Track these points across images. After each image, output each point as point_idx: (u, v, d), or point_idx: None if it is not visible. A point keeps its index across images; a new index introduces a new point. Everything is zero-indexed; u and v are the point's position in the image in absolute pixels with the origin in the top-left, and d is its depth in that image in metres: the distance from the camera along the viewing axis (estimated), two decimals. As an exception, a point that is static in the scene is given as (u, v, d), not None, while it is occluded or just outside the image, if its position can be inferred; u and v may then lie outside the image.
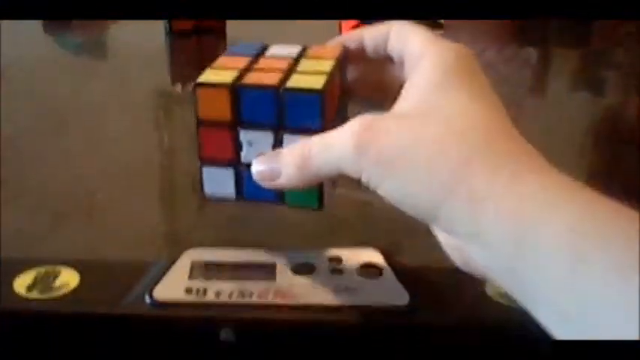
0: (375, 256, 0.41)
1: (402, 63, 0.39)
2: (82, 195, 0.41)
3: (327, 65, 0.39)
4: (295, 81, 0.38)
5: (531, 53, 0.90)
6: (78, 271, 0.38)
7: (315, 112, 0.37)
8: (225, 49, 0.42)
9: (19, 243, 0.42)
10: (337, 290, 0.38)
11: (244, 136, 0.38)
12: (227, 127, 0.38)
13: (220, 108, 0.38)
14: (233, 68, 0.39)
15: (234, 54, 0.41)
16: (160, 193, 0.52)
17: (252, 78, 0.38)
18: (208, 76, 0.38)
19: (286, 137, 0.37)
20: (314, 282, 0.39)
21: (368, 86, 0.43)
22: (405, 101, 0.35)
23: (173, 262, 0.39)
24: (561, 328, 0.28)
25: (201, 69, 0.39)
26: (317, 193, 0.38)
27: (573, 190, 0.30)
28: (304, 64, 0.40)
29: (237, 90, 0.37)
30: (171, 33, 0.87)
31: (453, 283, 0.36)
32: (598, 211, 0.28)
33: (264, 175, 0.37)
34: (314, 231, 0.44)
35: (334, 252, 0.41)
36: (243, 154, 0.38)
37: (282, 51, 0.42)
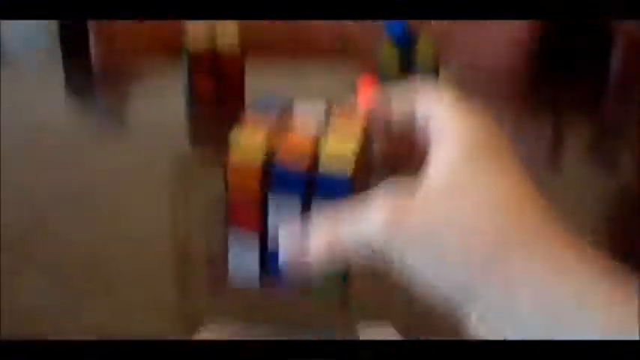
0: (391, 334, 0.41)
1: (428, 130, 0.38)
2: (100, 261, 0.42)
3: (356, 138, 0.40)
4: (326, 161, 0.38)
5: (545, 128, 0.90)
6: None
7: (345, 189, 0.38)
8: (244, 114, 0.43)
9: (34, 322, 0.43)
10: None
11: (272, 205, 0.39)
12: (256, 201, 0.39)
13: (250, 184, 0.39)
14: (261, 133, 0.39)
15: (259, 112, 0.42)
16: (177, 267, 0.53)
17: (282, 154, 0.39)
18: (239, 150, 0.39)
19: (314, 205, 0.38)
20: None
21: (393, 152, 0.43)
22: (433, 176, 0.35)
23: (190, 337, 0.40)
24: None
25: (221, 137, 0.40)
26: (341, 287, 0.39)
27: (605, 273, 0.30)
28: (332, 138, 0.40)
29: (268, 169, 0.38)
30: (191, 100, 0.89)
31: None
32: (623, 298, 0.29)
33: (292, 256, 0.37)
34: (332, 308, 0.45)
35: (351, 333, 0.41)
36: (269, 222, 0.39)
37: (308, 112, 0.42)
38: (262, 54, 0.98)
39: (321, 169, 0.38)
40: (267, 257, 0.40)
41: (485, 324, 0.32)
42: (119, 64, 1.10)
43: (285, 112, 0.42)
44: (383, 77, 0.84)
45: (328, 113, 0.42)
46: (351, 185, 0.38)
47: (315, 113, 0.42)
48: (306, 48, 1.10)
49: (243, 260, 0.40)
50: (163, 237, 0.56)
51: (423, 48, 0.84)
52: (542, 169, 0.77)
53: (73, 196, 0.63)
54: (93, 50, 1.16)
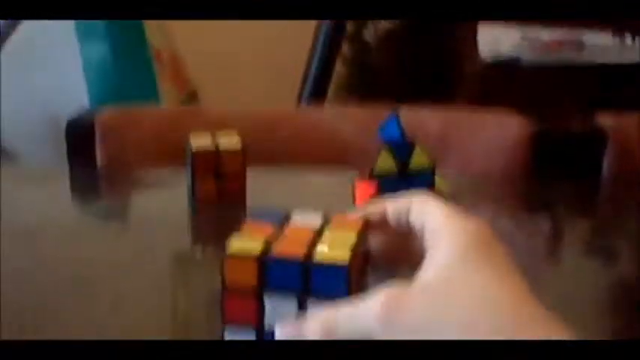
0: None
1: (422, 236, 0.40)
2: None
3: (352, 237, 0.41)
4: (321, 254, 0.39)
5: (543, 222, 0.92)
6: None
7: (341, 284, 0.38)
8: (244, 222, 0.44)
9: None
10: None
11: (269, 301, 0.39)
12: (252, 295, 0.39)
13: (247, 277, 0.39)
14: (259, 237, 0.41)
15: (258, 220, 0.43)
16: (180, 294, 0.52)
17: (278, 248, 0.40)
18: (236, 244, 0.40)
19: (311, 303, 0.39)
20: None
21: (389, 255, 0.45)
22: (427, 274, 0.36)
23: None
24: None
25: (222, 236, 0.41)
26: None
27: None
28: (329, 236, 0.42)
29: (264, 261, 0.39)
30: (194, 200, 0.91)
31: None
32: None
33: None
34: None
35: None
36: (266, 318, 0.40)
37: (305, 219, 0.44)
38: (262, 159, 1.01)
39: (318, 260, 0.39)
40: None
41: None
42: (124, 163, 1.12)
43: (283, 222, 0.44)
44: (380, 182, 0.87)
45: (325, 223, 0.44)
46: (347, 279, 0.39)
47: (311, 222, 0.43)
48: (305, 155, 1.13)
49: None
50: (161, 329, 0.57)
51: (419, 154, 0.87)
52: (542, 265, 0.77)
53: (72, 288, 0.64)
54: (98, 147, 1.19)
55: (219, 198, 0.91)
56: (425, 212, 0.41)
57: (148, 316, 0.59)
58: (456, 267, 0.36)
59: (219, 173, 0.91)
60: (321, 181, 1.03)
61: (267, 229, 0.42)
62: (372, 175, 0.88)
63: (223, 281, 0.40)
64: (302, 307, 0.39)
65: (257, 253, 0.39)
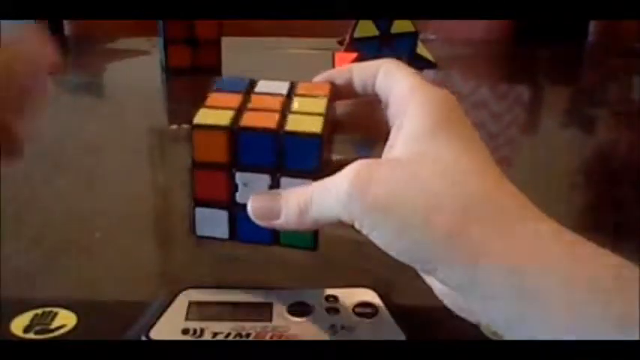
0: (370, 296, 0.41)
1: (387, 104, 0.39)
2: (78, 235, 0.42)
3: (322, 105, 0.39)
4: (293, 124, 0.38)
5: (523, 91, 0.91)
6: (75, 313, 0.38)
7: (314, 154, 0.37)
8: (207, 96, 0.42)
9: (15, 284, 0.42)
10: (333, 330, 0.38)
11: (240, 177, 0.38)
12: (223, 169, 0.38)
13: (217, 150, 0.38)
14: (226, 108, 0.39)
15: (223, 91, 0.41)
16: (156, 233, 0.52)
17: (248, 120, 0.38)
18: (204, 117, 0.38)
19: (283, 180, 0.38)
20: (310, 322, 0.39)
21: (355, 122, 0.44)
22: (396, 148, 0.35)
23: (170, 302, 0.39)
24: None
25: (197, 107, 0.39)
26: (312, 233, 0.38)
27: (565, 239, 0.30)
28: (298, 104, 0.40)
29: (235, 133, 0.37)
30: (167, 71, 0.88)
31: (448, 321, 0.36)
32: (587, 260, 0.29)
33: (263, 213, 0.37)
34: (309, 270, 0.45)
35: (330, 292, 0.41)
36: (238, 195, 0.38)
37: (271, 87, 0.42)
38: (239, 27, 0.98)
39: (290, 130, 0.37)
40: (236, 217, 0.39)
41: (447, 289, 0.32)
42: (94, 36, 1.09)
43: (250, 91, 0.41)
44: (360, 48, 0.84)
45: (291, 90, 0.41)
46: (320, 149, 0.37)
47: (278, 89, 0.41)
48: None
49: (211, 219, 0.39)
50: (141, 203, 0.56)
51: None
52: (520, 133, 0.77)
53: (46, 164, 0.62)
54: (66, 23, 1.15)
55: (193, 66, 0.88)
56: (391, 80, 0.39)
57: (123, 189, 0.58)
58: (425, 140, 0.34)
59: (193, 41, 0.87)
60: (299, 51, 1.00)
61: (234, 99, 0.40)
62: (352, 40, 0.85)
63: (193, 156, 0.38)
64: (274, 183, 0.38)
65: (226, 124, 0.37)
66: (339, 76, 0.42)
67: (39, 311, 0.38)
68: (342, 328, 0.39)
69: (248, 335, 0.37)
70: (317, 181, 0.36)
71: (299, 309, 0.40)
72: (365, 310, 0.40)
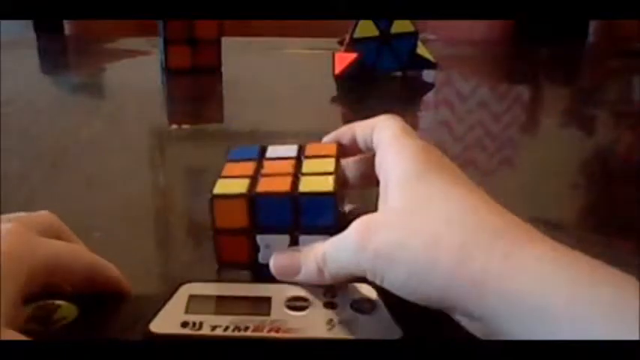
0: (368, 291, 0.41)
1: (378, 157, 0.41)
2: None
3: (331, 165, 0.42)
4: (307, 184, 0.40)
5: (523, 91, 0.91)
6: (76, 305, 0.39)
7: (329, 212, 0.40)
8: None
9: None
10: (331, 324, 0.39)
11: (261, 240, 0.41)
12: (244, 233, 0.41)
13: (237, 216, 0.40)
14: (242, 176, 0.41)
15: (236, 160, 0.44)
16: (156, 230, 0.53)
17: (264, 185, 0.40)
18: (222, 187, 0.41)
19: (302, 238, 0.40)
20: (308, 316, 0.39)
21: (360, 178, 0.46)
22: (387, 195, 0.37)
23: (170, 296, 0.40)
24: None
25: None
26: None
27: (565, 258, 0.31)
28: (309, 165, 0.42)
29: (253, 199, 0.40)
30: (167, 71, 0.88)
31: (446, 317, 0.36)
32: (589, 276, 0.30)
33: (284, 272, 0.40)
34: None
35: (328, 286, 0.41)
36: (260, 255, 0.41)
37: (281, 152, 0.45)
38: (240, 27, 0.98)
39: (304, 191, 0.40)
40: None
41: (468, 320, 0.33)
42: (94, 36, 1.09)
43: (261, 157, 0.44)
44: (360, 48, 0.84)
45: (301, 153, 0.44)
46: (335, 206, 0.39)
47: (287, 153, 0.44)
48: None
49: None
50: (141, 201, 0.56)
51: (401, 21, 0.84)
52: (521, 133, 0.77)
53: (47, 163, 0.63)
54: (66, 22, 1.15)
55: (193, 67, 0.88)
56: (379, 134, 0.41)
57: (123, 189, 0.58)
58: (412, 185, 0.36)
59: (193, 41, 0.88)
60: (299, 51, 1.00)
61: (248, 167, 0.43)
62: (351, 41, 0.85)
63: (213, 223, 0.41)
64: (293, 242, 0.40)
65: (243, 191, 0.40)
66: (344, 135, 0.45)
67: (40, 303, 0.39)
68: (340, 323, 0.39)
69: (246, 329, 0.38)
70: (334, 236, 0.38)
71: (297, 303, 0.40)
72: (362, 305, 0.40)
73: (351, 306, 0.40)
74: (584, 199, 0.61)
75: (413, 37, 0.85)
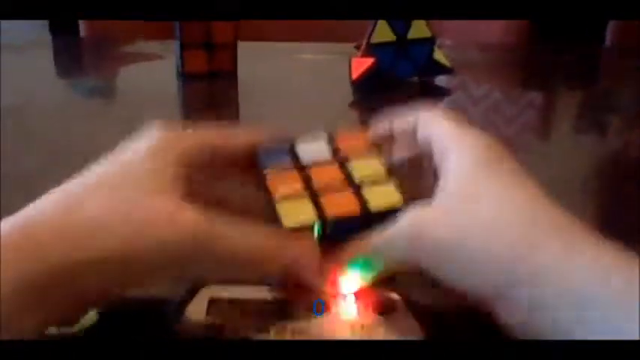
0: (389, 294, 0.41)
1: (431, 151, 0.40)
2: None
3: (379, 167, 0.41)
4: (374, 199, 0.39)
5: (536, 95, 0.90)
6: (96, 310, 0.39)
7: (394, 219, 0.38)
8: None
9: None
10: (352, 327, 0.38)
11: None
12: None
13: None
14: (296, 195, 0.39)
15: (272, 166, 0.41)
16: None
17: (329, 207, 0.39)
18: (289, 214, 0.38)
19: None
20: (330, 319, 0.39)
21: (401, 173, 0.45)
22: (445, 192, 0.36)
23: (191, 298, 0.39)
24: None
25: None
26: None
27: (621, 257, 0.32)
28: (358, 170, 0.41)
29: (327, 224, 0.38)
30: (183, 75, 0.88)
31: (467, 319, 0.36)
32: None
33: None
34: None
35: (349, 290, 0.41)
36: None
37: (312, 151, 0.43)
38: (254, 32, 0.98)
39: (376, 210, 0.39)
40: None
41: (515, 318, 0.33)
42: (110, 38, 1.09)
43: (295, 159, 0.42)
44: (377, 53, 0.84)
45: (333, 148, 0.43)
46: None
47: (320, 151, 0.43)
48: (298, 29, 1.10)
49: None
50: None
51: (418, 23, 0.84)
52: (537, 137, 0.77)
53: (60, 166, 0.63)
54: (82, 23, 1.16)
55: (209, 71, 0.88)
56: (431, 128, 0.40)
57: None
58: (471, 183, 0.36)
59: (209, 45, 0.88)
60: (315, 56, 1.00)
61: (291, 177, 0.41)
62: (368, 46, 0.85)
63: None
64: None
65: (314, 221, 0.38)
66: (379, 129, 0.44)
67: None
68: (362, 327, 0.38)
69: (268, 332, 0.37)
70: None
71: (318, 307, 0.40)
72: (384, 307, 0.40)
73: (373, 309, 0.40)
74: (602, 204, 0.60)
75: (430, 42, 0.85)
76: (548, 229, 0.33)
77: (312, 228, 0.39)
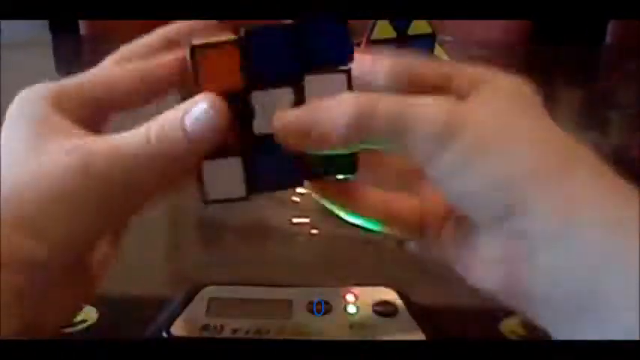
0: (389, 295, 0.41)
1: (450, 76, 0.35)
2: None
3: None
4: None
5: (540, 93, 0.90)
6: (96, 308, 0.39)
7: (343, 40, 0.32)
8: None
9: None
10: (352, 328, 0.38)
11: (256, 98, 0.31)
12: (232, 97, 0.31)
13: (225, 72, 0.31)
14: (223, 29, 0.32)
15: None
16: (177, 232, 0.53)
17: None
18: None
19: (307, 78, 0.31)
20: (329, 320, 0.39)
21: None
22: (482, 105, 0.33)
23: (191, 299, 0.39)
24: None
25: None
26: (352, 156, 0.33)
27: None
28: None
29: (246, 40, 0.31)
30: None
31: (467, 321, 0.36)
32: None
33: (299, 128, 0.31)
34: (328, 269, 0.45)
35: (349, 290, 0.41)
36: (255, 122, 0.31)
37: None
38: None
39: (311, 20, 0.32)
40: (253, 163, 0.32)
41: (509, 250, 0.31)
42: (110, 36, 1.09)
43: None
44: (376, 49, 0.84)
45: None
46: (349, 30, 0.32)
47: None
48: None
49: (223, 174, 0.32)
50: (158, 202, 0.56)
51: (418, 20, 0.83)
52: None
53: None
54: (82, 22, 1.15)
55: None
56: (451, 65, 0.37)
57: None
58: (506, 107, 0.33)
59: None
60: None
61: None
62: (368, 42, 0.85)
63: (195, 83, 0.32)
64: (298, 98, 0.31)
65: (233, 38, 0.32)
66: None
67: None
68: (362, 326, 0.38)
69: (267, 332, 0.37)
70: (348, 74, 0.32)
71: (319, 307, 0.39)
72: (384, 308, 0.40)
73: (373, 309, 0.40)
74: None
75: (430, 38, 0.84)
76: (585, 157, 0.32)
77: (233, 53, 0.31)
